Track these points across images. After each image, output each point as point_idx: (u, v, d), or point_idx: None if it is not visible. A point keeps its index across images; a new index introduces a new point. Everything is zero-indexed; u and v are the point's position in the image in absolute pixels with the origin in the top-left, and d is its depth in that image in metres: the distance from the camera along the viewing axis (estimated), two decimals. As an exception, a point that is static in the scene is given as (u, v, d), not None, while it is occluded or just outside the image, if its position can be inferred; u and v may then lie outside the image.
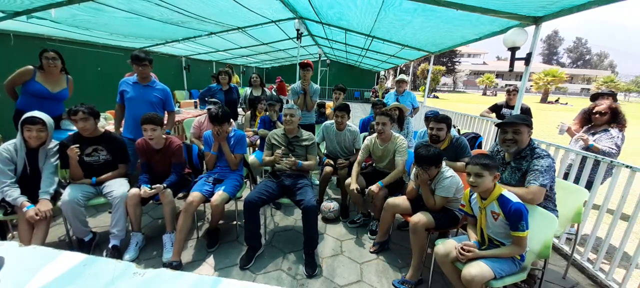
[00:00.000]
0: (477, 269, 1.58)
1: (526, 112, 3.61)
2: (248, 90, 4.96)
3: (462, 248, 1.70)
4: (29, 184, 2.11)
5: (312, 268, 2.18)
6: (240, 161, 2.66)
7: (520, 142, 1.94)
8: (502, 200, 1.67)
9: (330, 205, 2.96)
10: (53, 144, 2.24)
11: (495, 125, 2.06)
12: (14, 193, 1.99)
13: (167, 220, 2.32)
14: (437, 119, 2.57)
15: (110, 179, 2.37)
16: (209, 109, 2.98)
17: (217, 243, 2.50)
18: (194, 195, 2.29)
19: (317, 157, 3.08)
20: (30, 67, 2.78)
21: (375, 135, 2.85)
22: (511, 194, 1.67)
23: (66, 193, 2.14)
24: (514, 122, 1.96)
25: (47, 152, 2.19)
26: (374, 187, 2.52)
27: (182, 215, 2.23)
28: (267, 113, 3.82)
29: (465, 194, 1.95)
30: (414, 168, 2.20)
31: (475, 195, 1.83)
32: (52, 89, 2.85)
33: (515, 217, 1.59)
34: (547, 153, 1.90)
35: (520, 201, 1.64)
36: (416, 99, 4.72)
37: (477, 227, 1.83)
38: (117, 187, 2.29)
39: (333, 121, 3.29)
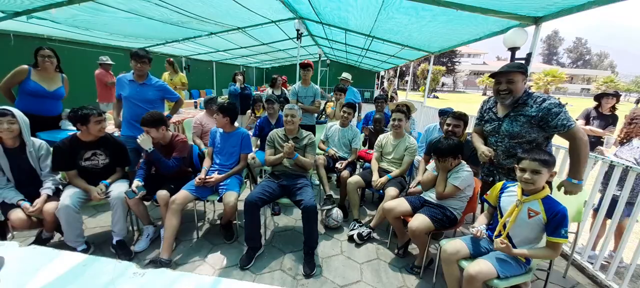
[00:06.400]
0: (480, 266, 1.57)
1: None
2: (269, 90, 5.52)
3: (500, 241, 1.60)
4: (29, 188, 2.08)
5: (311, 267, 2.18)
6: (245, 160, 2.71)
7: (515, 91, 1.83)
8: (549, 202, 1.58)
9: (333, 213, 2.82)
10: (38, 142, 2.15)
11: (489, 76, 1.98)
12: (8, 194, 1.99)
13: (163, 215, 2.30)
14: (455, 116, 2.56)
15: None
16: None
17: (234, 235, 2.58)
18: (181, 193, 2.28)
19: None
20: (25, 66, 2.72)
21: (389, 133, 3.01)
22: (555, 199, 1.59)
23: (65, 197, 2.06)
24: (507, 71, 1.85)
25: (37, 153, 2.13)
26: (381, 179, 2.72)
27: (167, 213, 2.21)
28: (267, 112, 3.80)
29: (497, 185, 1.85)
30: (432, 161, 2.25)
31: (514, 186, 1.73)
32: (48, 87, 2.80)
33: (559, 222, 1.52)
34: (546, 96, 1.80)
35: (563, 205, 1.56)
36: (357, 94, 4.98)
37: (500, 221, 1.73)
38: (115, 187, 2.28)
39: (334, 122, 3.44)
